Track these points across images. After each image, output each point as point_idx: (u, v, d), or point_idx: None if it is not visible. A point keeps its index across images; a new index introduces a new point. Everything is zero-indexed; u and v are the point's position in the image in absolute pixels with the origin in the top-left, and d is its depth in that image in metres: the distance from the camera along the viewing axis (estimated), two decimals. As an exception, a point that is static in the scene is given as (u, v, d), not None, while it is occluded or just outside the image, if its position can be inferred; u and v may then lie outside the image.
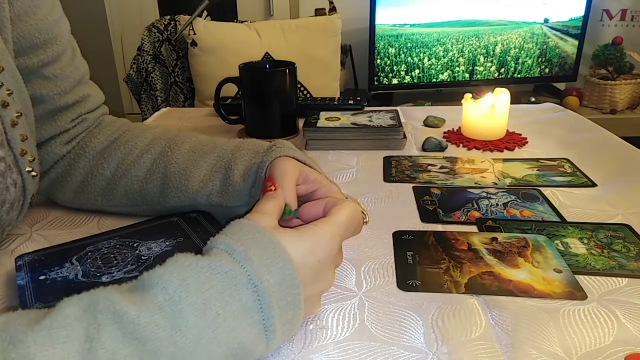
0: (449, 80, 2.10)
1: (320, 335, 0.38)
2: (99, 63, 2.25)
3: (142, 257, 0.44)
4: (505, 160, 0.74)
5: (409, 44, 2.00)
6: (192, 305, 0.29)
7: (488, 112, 0.80)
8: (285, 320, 0.32)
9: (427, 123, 0.91)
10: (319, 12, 2.07)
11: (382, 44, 1.98)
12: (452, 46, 2.03)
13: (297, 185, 0.44)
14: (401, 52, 2.00)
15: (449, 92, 2.18)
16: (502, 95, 0.80)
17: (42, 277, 0.41)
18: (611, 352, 0.35)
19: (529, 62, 2.09)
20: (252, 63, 0.87)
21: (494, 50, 2.05)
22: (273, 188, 0.40)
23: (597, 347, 0.36)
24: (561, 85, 2.29)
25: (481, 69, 2.08)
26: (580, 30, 2.04)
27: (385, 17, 1.95)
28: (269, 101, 0.81)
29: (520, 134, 0.84)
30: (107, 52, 2.33)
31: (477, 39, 2.03)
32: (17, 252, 0.49)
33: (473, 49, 2.04)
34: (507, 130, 0.83)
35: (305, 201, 0.42)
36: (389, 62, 2.02)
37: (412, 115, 0.96)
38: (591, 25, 2.07)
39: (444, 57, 2.05)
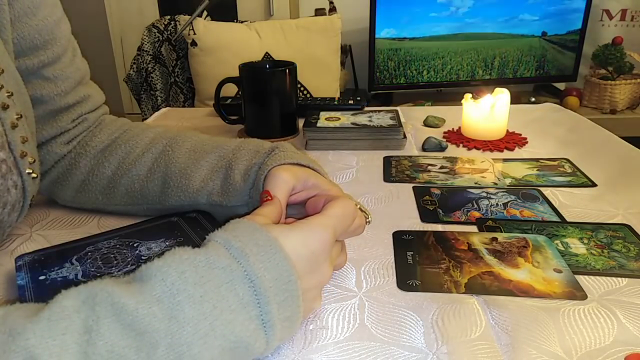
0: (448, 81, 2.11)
1: (320, 335, 0.38)
2: (99, 63, 2.25)
3: (142, 257, 0.44)
4: (505, 160, 0.74)
5: (408, 58, 2.02)
6: (189, 298, 0.29)
7: (488, 112, 0.80)
8: (284, 317, 0.32)
9: (427, 123, 0.91)
10: (319, 12, 2.07)
11: (382, 57, 1.99)
12: (450, 59, 2.05)
13: (297, 193, 0.44)
14: (400, 65, 2.02)
15: (449, 92, 2.18)
16: (502, 95, 0.80)
17: (42, 277, 0.41)
18: (611, 352, 0.36)
19: (527, 74, 2.12)
20: (252, 63, 0.87)
21: (492, 63, 2.07)
22: (269, 199, 0.41)
23: (597, 347, 0.36)
24: (561, 85, 2.29)
25: (479, 82, 2.10)
26: (577, 44, 2.05)
27: (384, 31, 1.96)
28: (269, 101, 0.81)
29: (520, 134, 0.84)
30: (107, 52, 2.33)
31: (475, 52, 2.04)
32: (17, 252, 0.49)
33: (472, 62, 2.06)
34: (507, 130, 0.83)
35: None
36: (388, 75, 2.04)
37: (412, 115, 0.96)
38: (591, 25, 2.07)
39: (443, 70, 2.06)
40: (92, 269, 0.42)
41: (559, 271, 0.45)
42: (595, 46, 2.10)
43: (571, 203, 0.59)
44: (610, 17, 2.19)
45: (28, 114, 0.46)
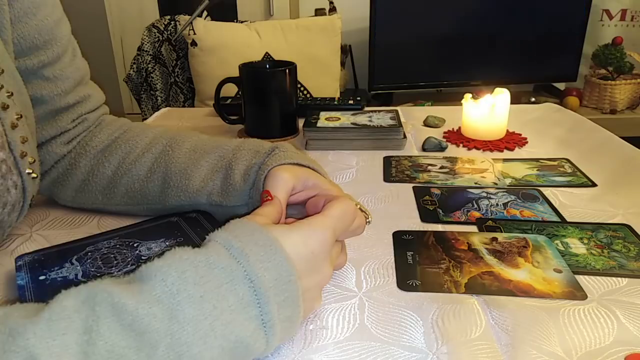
0: (449, 80, 2.11)
1: (320, 335, 0.38)
2: (99, 63, 2.25)
3: (142, 257, 0.44)
4: (505, 160, 0.74)
5: (408, 58, 2.02)
6: (189, 298, 0.29)
7: (488, 112, 0.80)
8: (284, 317, 0.32)
9: (427, 123, 0.91)
10: (319, 12, 2.07)
11: (382, 57, 1.99)
12: (451, 59, 2.05)
13: (298, 193, 0.44)
14: (400, 65, 2.02)
15: (449, 92, 2.18)
16: (502, 95, 0.80)
17: (42, 277, 0.41)
18: (611, 352, 0.36)
19: (527, 74, 2.12)
20: (252, 63, 0.87)
21: (492, 63, 2.08)
22: (270, 198, 0.41)
23: (597, 347, 0.36)
24: (561, 85, 2.29)
25: (479, 82, 2.10)
26: (577, 44, 2.05)
27: (384, 31, 1.95)
28: (269, 101, 0.81)
29: (520, 134, 0.84)
30: (107, 52, 2.33)
31: (475, 52, 2.05)
32: (17, 252, 0.49)
33: (472, 62, 2.06)
34: (507, 130, 0.83)
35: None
36: (388, 75, 2.05)
37: (412, 115, 0.96)
38: (591, 25, 2.07)
39: (443, 70, 2.07)
40: (92, 269, 0.42)
41: (559, 271, 0.45)
42: (595, 46, 2.10)
43: (571, 203, 0.59)
44: (610, 17, 2.18)
45: (28, 114, 0.46)
